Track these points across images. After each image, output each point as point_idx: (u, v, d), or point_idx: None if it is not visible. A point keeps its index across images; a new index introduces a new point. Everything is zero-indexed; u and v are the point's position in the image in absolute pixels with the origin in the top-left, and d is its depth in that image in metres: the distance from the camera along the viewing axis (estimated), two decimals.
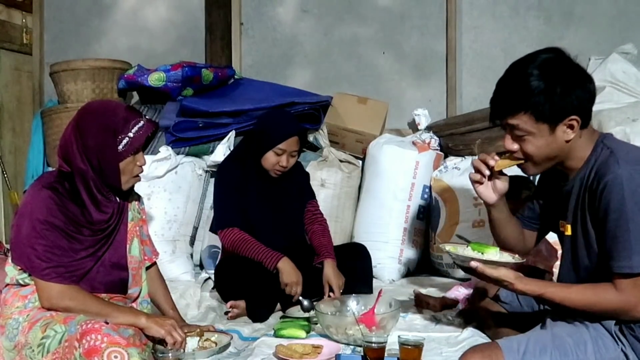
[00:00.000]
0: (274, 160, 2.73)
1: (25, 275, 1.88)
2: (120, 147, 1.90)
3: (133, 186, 2.09)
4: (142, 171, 2.01)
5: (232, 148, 3.49)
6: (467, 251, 1.86)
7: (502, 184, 1.92)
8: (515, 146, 1.76)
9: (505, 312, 2.14)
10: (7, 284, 1.94)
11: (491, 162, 1.87)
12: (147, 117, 1.98)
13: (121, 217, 2.03)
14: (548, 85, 1.67)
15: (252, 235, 2.70)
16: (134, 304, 2.08)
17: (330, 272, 2.66)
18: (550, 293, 1.71)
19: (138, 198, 2.18)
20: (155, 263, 2.27)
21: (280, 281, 2.58)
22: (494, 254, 1.84)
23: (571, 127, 1.69)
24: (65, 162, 1.93)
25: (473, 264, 1.74)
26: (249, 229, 2.73)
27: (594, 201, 1.66)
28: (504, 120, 1.75)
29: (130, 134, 1.91)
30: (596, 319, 1.69)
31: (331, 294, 2.62)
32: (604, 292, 1.64)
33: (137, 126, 1.92)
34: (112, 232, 1.99)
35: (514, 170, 3.18)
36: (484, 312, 2.25)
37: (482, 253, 1.83)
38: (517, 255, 1.88)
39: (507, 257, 1.85)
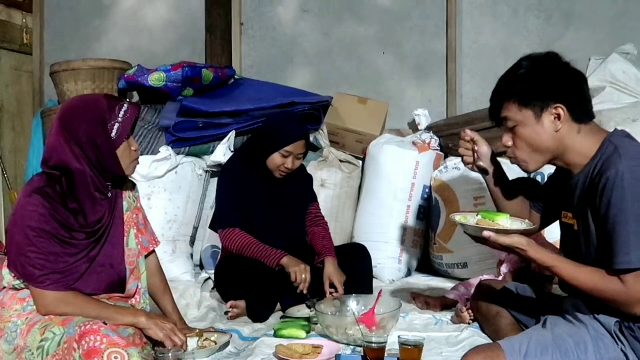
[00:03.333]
0: (280, 161, 2.73)
1: (19, 281, 1.87)
2: (113, 134, 1.88)
3: (126, 177, 2.07)
4: (137, 155, 1.98)
5: (232, 148, 3.50)
6: (477, 220, 1.85)
7: (483, 148, 2.04)
8: (510, 142, 1.82)
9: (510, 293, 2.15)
10: (4, 287, 1.93)
11: (467, 137, 2.03)
12: (129, 101, 1.95)
13: (113, 213, 2.00)
14: (531, 71, 1.76)
15: (254, 235, 2.70)
16: (134, 298, 2.06)
17: (332, 268, 2.66)
18: (560, 268, 1.71)
19: (133, 186, 2.15)
20: (154, 252, 2.22)
21: (287, 272, 2.58)
22: (504, 220, 1.83)
23: (558, 116, 1.73)
24: (56, 168, 1.87)
25: (485, 233, 1.73)
26: (251, 229, 2.73)
27: (596, 197, 1.67)
28: (498, 114, 1.82)
29: (119, 119, 1.88)
30: (596, 308, 1.70)
31: (332, 291, 2.62)
32: (611, 281, 1.64)
33: (123, 110, 1.90)
34: (104, 231, 1.97)
35: (516, 172, 3.17)
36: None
37: (493, 220, 1.82)
38: (527, 221, 1.87)
39: (517, 224, 1.84)
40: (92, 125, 1.87)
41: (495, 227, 1.77)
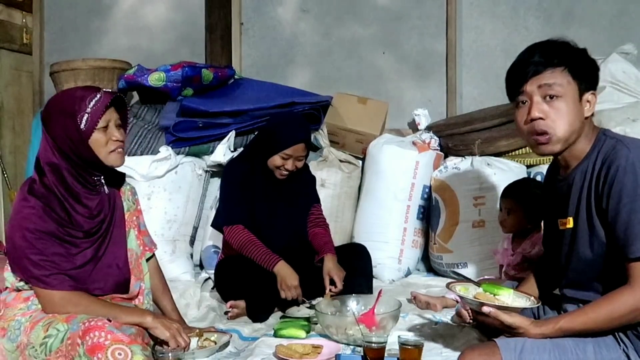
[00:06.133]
0: (279, 163, 2.74)
1: (22, 283, 1.87)
2: (82, 126, 1.86)
3: (124, 176, 2.07)
4: (119, 145, 1.94)
5: (232, 148, 3.50)
6: (477, 293, 1.80)
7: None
8: (541, 114, 1.69)
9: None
10: (7, 287, 1.93)
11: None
12: (105, 90, 1.94)
13: (114, 213, 2.00)
14: (585, 51, 1.78)
15: (255, 233, 2.71)
16: (138, 299, 2.06)
17: (331, 264, 2.67)
18: (567, 322, 1.65)
19: (131, 189, 2.15)
20: (153, 255, 2.23)
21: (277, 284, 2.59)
22: (507, 296, 1.79)
23: (589, 103, 1.73)
24: (40, 164, 1.89)
25: (485, 309, 1.68)
26: (253, 226, 2.73)
27: (603, 190, 1.64)
28: (537, 78, 1.70)
29: (88, 109, 1.88)
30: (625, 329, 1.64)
31: (332, 287, 2.62)
32: (618, 295, 1.59)
33: (94, 100, 1.89)
34: (107, 230, 1.97)
35: (516, 173, 3.13)
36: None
37: (495, 295, 1.78)
38: (532, 298, 1.82)
39: (522, 301, 1.80)
40: (62, 118, 1.87)
41: (495, 304, 1.72)
